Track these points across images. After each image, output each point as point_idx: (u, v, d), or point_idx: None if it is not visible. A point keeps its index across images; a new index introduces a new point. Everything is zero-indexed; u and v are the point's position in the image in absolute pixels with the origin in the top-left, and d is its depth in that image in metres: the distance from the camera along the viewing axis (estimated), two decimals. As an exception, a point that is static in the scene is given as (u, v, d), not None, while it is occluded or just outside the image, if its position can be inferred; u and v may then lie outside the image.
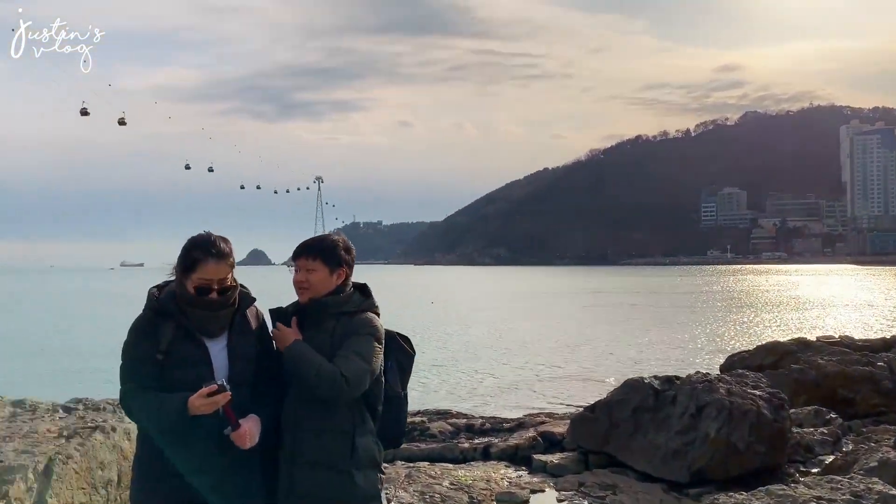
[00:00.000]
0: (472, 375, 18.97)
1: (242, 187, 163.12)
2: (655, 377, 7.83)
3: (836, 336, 14.27)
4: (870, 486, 4.17)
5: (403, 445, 9.30)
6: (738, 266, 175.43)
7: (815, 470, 6.97)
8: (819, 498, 4.06)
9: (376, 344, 3.00)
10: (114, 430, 5.43)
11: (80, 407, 6.23)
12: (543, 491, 6.77)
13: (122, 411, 6.07)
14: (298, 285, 3.03)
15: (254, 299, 3.02)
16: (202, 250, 2.82)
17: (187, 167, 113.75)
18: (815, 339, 13.03)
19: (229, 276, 2.87)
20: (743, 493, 4.25)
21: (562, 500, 6.52)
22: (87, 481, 5.03)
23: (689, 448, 6.69)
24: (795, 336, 15.36)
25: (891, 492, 4.04)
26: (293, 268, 3.11)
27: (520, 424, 10.14)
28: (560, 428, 8.99)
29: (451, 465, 7.82)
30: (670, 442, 6.88)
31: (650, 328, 30.94)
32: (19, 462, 4.72)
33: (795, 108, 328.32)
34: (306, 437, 2.89)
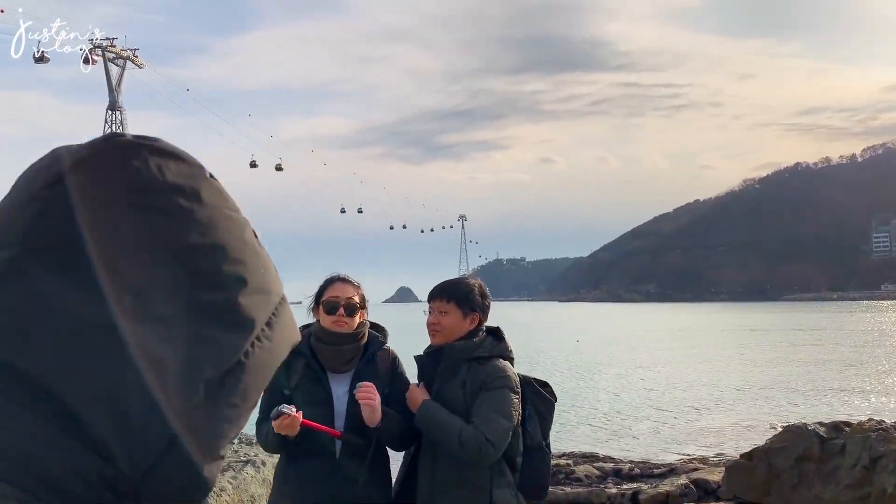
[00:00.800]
0: (619, 417, 18.31)
1: (392, 228, 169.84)
2: (821, 424, 7.20)
3: None
4: None
5: (548, 489, 9.09)
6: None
7: None
8: None
9: (513, 396, 2.94)
10: (264, 464, 5.66)
11: (235, 441, 6.59)
12: (697, 543, 6.35)
13: (273, 446, 6.37)
14: (431, 327, 3.05)
15: (383, 342, 3.07)
16: (327, 280, 3.11)
17: (342, 211, 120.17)
18: None
19: (355, 296, 2.99)
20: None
21: (717, 555, 6.08)
22: (238, 514, 5.27)
23: (863, 505, 6.06)
24: None
25: None
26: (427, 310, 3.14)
27: (671, 470, 9.65)
28: (714, 476, 8.44)
29: (596, 512, 7.52)
30: (840, 496, 6.26)
31: (812, 369, 28.66)
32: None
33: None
34: (442, 490, 2.86)
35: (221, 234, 0.58)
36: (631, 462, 10.56)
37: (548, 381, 3.24)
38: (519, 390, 2.98)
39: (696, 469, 9.51)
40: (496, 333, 3.12)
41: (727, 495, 7.53)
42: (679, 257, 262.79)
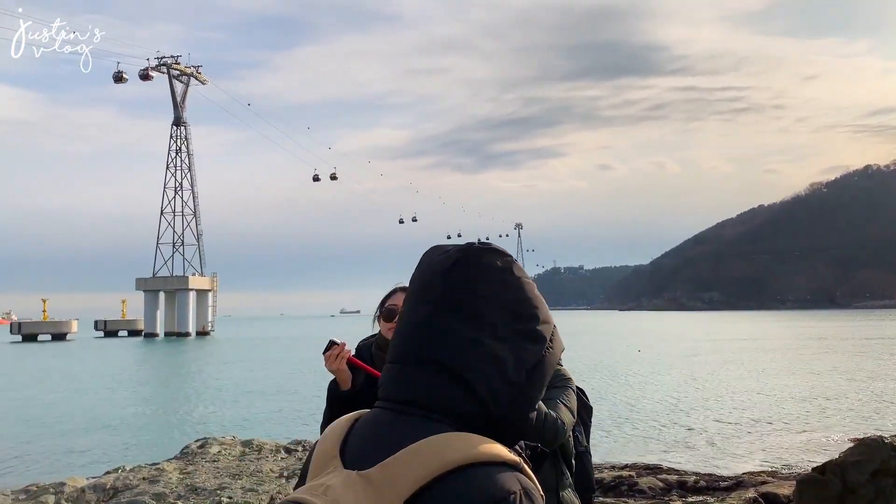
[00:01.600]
0: (681, 428, 17.89)
1: (449, 237, 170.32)
2: (898, 437, 6.90)
3: None
4: None
5: (612, 500, 8.95)
6: None
7: None
8: None
9: (574, 397, 2.97)
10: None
11: (300, 448, 6.68)
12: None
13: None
14: None
15: None
16: (394, 288, 3.20)
17: (401, 221, 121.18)
18: None
19: None
20: None
21: (789, 573, 5.87)
22: (303, 521, 5.34)
23: (947, 523, 5.78)
24: None
25: None
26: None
27: (738, 483, 9.39)
28: (784, 489, 8.18)
29: (661, 525, 7.36)
30: (921, 514, 5.99)
31: (883, 381, 27.49)
32: (245, 499, 5.12)
33: None
34: None
35: (527, 292, 1.11)
36: (696, 474, 10.31)
37: (585, 388, 3.27)
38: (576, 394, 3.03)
39: (764, 482, 9.23)
40: None
41: (799, 510, 7.27)
42: (743, 264, 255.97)
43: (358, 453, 1.02)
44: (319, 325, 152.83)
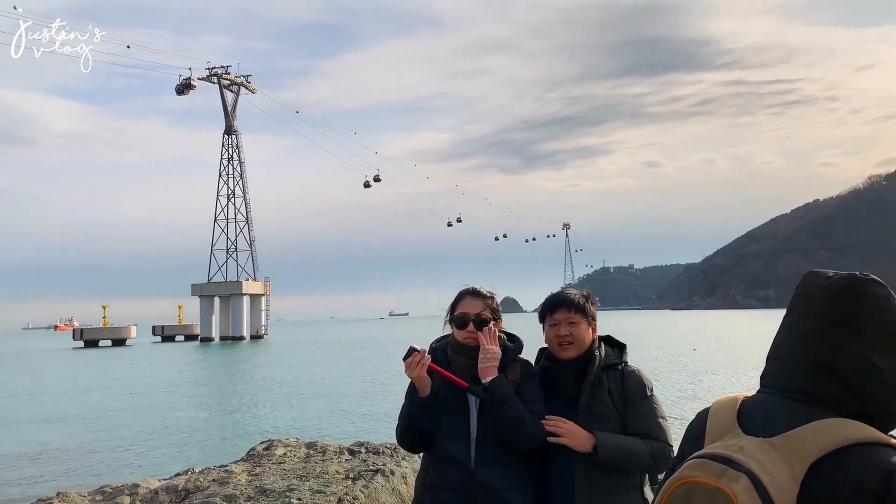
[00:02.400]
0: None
1: (497, 239, 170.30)
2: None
3: None
4: None
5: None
6: None
7: None
8: None
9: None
10: (392, 473, 5.79)
11: (363, 450, 6.77)
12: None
13: (398, 455, 6.49)
14: (561, 339, 3.01)
15: (514, 356, 3.10)
16: (461, 293, 3.16)
17: (449, 224, 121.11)
18: None
19: (485, 311, 3.07)
20: None
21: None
22: (370, 522, 5.41)
23: None
24: None
25: None
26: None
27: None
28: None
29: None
30: None
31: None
32: (314, 501, 5.23)
33: None
34: (602, 497, 2.86)
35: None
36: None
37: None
38: None
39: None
40: (609, 340, 3.15)
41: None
42: (799, 260, 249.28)
43: (756, 425, 1.37)
44: (369, 328, 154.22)
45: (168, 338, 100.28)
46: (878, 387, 1.34)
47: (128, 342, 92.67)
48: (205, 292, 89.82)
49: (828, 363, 1.37)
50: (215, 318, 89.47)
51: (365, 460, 6.32)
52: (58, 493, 6.71)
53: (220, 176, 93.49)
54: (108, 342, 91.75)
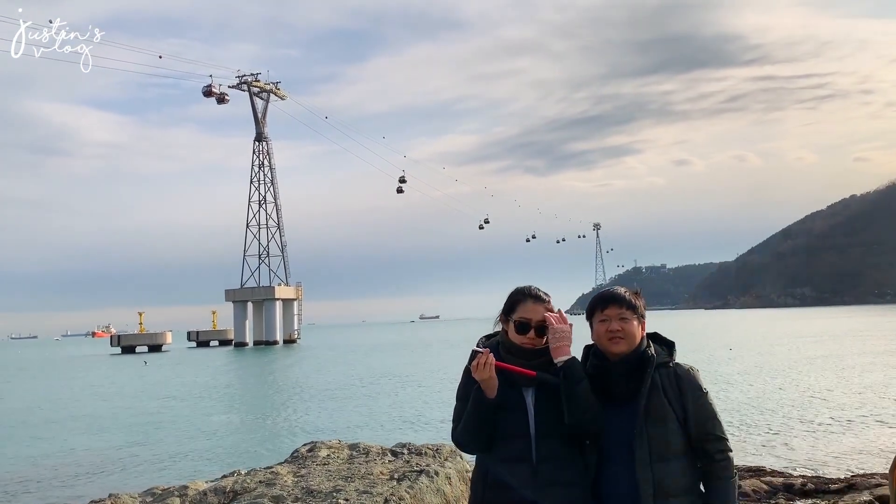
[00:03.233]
0: (782, 428, 17.31)
1: (528, 240, 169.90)
2: None
3: None
4: None
5: None
6: None
7: None
8: None
9: None
10: (436, 474, 5.85)
11: (405, 451, 6.84)
12: (889, 565, 5.92)
13: (441, 456, 6.55)
14: (613, 334, 3.01)
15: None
16: (522, 293, 3.10)
17: (481, 227, 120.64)
18: None
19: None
20: None
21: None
22: (417, 522, 5.47)
23: None
24: None
25: None
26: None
27: (850, 486, 9.03)
28: (902, 492, 7.83)
29: (771, 528, 7.18)
30: None
31: None
32: (361, 501, 5.31)
33: None
34: (667, 497, 2.88)
35: None
36: (803, 477, 9.98)
37: None
38: None
39: (878, 485, 8.85)
40: (655, 338, 3.15)
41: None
42: (836, 257, 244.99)
43: None
44: (400, 331, 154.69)
45: (203, 343, 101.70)
46: None
47: (164, 348, 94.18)
48: (238, 298, 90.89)
49: None
50: (249, 323, 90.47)
51: (408, 461, 6.39)
52: (109, 495, 6.88)
53: (251, 182, 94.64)
54: (145, 348, 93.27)
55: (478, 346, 3.18)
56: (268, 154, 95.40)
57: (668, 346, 3.12)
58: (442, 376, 34.45)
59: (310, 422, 22.39)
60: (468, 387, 3.04)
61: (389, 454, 6.83)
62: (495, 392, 2.92)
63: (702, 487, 2.98)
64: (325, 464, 6.93)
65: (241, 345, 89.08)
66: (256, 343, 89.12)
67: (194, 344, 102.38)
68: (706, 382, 3.05)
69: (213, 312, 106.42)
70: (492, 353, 2.91)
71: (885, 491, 8.12)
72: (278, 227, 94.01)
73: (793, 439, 15.87)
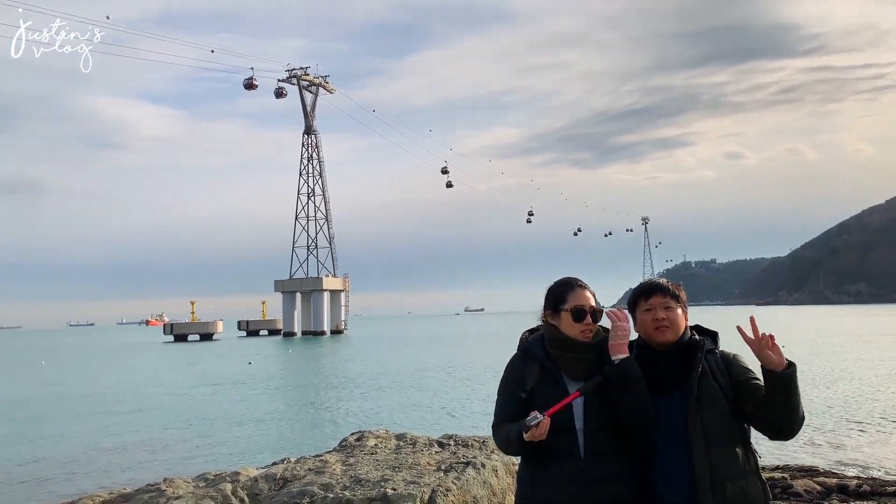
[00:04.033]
0: (834, 427, 16.89)
1: (575, 234, 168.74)
2: None
3: None
4: None
5: None
6: None
7: None
8: None
9: None
10: (483, 466, 5.89)
11: (452, 443, 6.90)
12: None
13: (487, 448, 6.60)
14: (659, 323, 3.02)
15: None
16: (567, 283, 3.12)
17: (529, 220, 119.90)
18: None
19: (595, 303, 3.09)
20: None
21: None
22: (464, 513, 5.52)
23: None
24: None
25: None
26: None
27: (906, 488, 8.80)
28: (963, 496, 7.61)
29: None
30: None
31: None
32: (409, 491, 5.38)
33: None
34: (723, 482, 2.86)
35: None
36: (858, 478, 9.75)
37: None
38: None
39: (937, 488, 8.62)
40: (698, 329, 3.16)
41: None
42: (894, 253, 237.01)
43: None
44: (445, 324, 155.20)
45: (252, 332, 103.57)
46: None
47: (215, 336, 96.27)
48: (287, 288, 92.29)
49: None
50: (297, 314, 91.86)
51: (455, 452, 6.44)
52: (164, 479, 7.09)
53: (300, 175, 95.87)
54: (197, 336, 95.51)
55: (522, 336, 3.18)
56: (316, 147, 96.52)
57: (711, 336, 3.13)
58: (486, 369, 34.50)
59: (356, 411, 22.68)
60: (509, 383, 3.06)
61: (436, 445, 6.90)
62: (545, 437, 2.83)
63: (758, 470, 2.97)
64: (372, 453, 7.04)
65: (289, 335, 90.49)
66: (304, 333, 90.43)
67: (244, 333, 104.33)
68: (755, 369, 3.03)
69: (263, 303, 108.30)
70: (548, 418, 2.80)
71: (945, 494, 7.90)
72: (326, 220, 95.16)
73: (846, 440, 15.48)
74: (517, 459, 3.39)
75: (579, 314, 3.01)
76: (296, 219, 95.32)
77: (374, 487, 5.64)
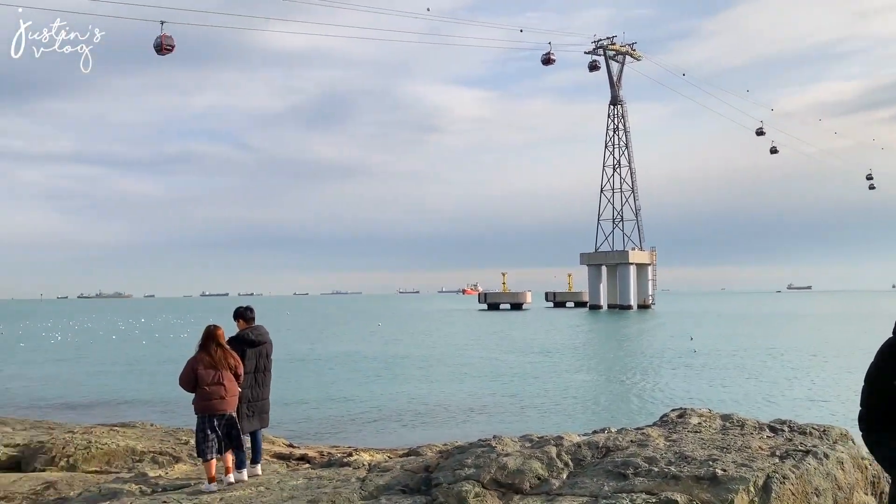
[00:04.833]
0: None
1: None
2: None
3: None
4: None
5: None
6: None
7: None
8: None
9: None
10: (826, 456, 5.44)
11: (786, 429, 6.46)
12: None
13: (829, 438, 6.06)
14: None
15: None
16: None
17: (872, 187, 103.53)
18: None
19: None
20: None
21: None
22: (803, 504, 5.15)
23: None
24: None
25: None
26: None
27: None
28: None
29: None
30: None
31: None
32: (740, 474, 5.16)
33: None
34: None
35: None
36: None
37: None
38: None
39: None
40: None
41: None
42: None
43: None
44: (765, 301, 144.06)
45: (559, 304, 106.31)
46: None
47: (524, 306, 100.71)
48: (592, 261, 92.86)
49: None
50: (603, 287, 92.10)
51: (790, 439, 6.02)
52: (493, 436, 7.65)
53: (605, 147, 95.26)
54: (507, 306, 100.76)
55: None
56: (622, 117, 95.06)
57: None
58: (814, 354, 31.45)
59: (664, 387, 22.21)
60: (881, 375, 2.78)
61: (767, 429, 6.51)
62: None
63: None
64: (696, 431, 6.87)
65: (595, 307, 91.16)
66: (610, 306, 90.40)
67: (551, 304, 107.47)
68: None
69: (569, 275, 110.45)
70: None
71: None
72: (632, 191, 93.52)
73: None
74: (867, 454, 3.09)
75: None
76: (601, 191, 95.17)
77: (701, 466, 5.51)
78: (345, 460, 7.93)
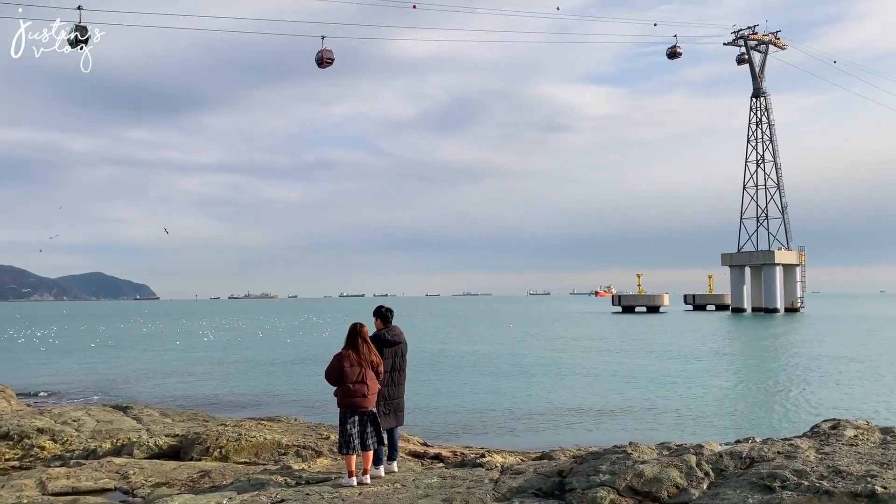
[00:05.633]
0: None
1: None
2: None
3: None
4: None
5: None
6: None
7: None
8: None
9: None
10: None
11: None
12: None
13: None
14: None
15: None
16: None
17: None
18: None
19: None
20: None
21: None
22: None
23: None
24: None
25: None
26: None
27: None
28: None
29: None
30: None
31: None
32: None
33: None
34: None
35: None
36: None
37: None
38: None
39: None
40: None
41: None
42: None
43: None
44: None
45: (699, 307, 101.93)
46: None
47: (661, 309, 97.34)
48: (735, 262, 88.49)
49: None
50: (746, 289, 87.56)
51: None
52: (630, 443, 7.47)
53: (748, 141, 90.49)
54: (643, 308, 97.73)
55: None
56: (766, 110, 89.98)
57: None
58: None
59: (810, 397, 20.80)
60: None
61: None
62: None
63: None
64: (852, 444, 6.41)
65: (738, 310, 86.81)
66: (755, 310, 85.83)
67: (690, 307, 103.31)
68: None
69: (709, 277, 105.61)
70: None
71: None
72: (777, 188, 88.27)
73: None
74: None
75: None
76: (744, 188, 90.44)
77: (858, 482, 5.13)
78: (478, 461, 8.00)
